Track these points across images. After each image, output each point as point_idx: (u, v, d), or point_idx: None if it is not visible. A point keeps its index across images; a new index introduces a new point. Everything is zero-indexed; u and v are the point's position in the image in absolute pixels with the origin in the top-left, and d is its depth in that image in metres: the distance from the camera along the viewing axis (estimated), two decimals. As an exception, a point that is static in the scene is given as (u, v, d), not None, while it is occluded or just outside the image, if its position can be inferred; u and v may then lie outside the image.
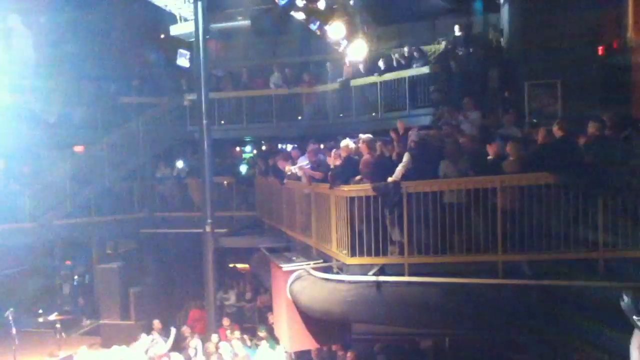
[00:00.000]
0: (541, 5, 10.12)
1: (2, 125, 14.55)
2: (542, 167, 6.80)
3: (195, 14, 12.99)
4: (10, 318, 10.78)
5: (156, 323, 12.21)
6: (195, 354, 11.13)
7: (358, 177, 7.98)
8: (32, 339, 12.47)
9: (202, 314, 13.28)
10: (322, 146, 12.44)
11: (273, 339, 11.07)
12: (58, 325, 12.15)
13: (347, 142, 8.85)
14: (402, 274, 7.24)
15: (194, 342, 11.45)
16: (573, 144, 7.12)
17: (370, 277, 7.31)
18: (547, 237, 6.70)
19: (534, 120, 9.68)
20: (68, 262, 16.40)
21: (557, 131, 6.99)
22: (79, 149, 16.46)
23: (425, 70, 13.21)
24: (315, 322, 8.54)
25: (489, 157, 7.45)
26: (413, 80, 13.39)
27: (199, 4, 12.84)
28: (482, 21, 14.41)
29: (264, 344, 10.98)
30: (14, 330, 10.71)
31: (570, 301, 6.40)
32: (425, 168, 7.53)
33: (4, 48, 16.04)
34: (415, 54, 14.02)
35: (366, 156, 8.12)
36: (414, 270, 7.20)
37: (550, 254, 6.70)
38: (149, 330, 12.19)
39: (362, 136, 8.39)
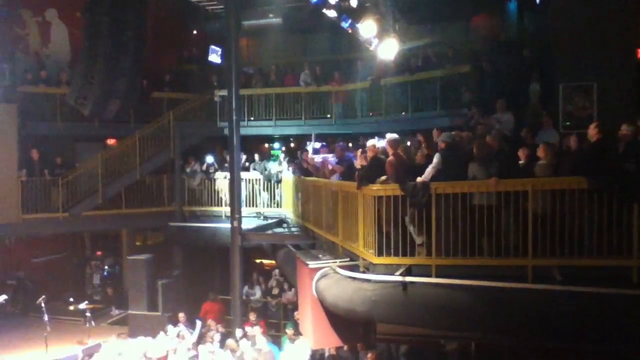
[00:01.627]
0: (578, 6, 9.90)
1: (37, 116, 14.97)
2: (576, 171, 6.66)
3: (228, 11, 13.10)
4: (43, 305, 11.05)
5: (181, 316, 12.38)
6: (218, 348, 11.25)
7: (384, 177, 7.94)
8: (62, 327, 12.79)
9: (214, 307, 13.55)
10: (349, 145, 12.45)
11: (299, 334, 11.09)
12: (88, 314, 12.44)
13: (373, 142, 8.82)
14: (429, 275, 7.18)
15: (217, 336, 11.59)
16: (608, 147, 6.96)
17: (397, 278, 7.27)
18: (579, 243, 6.57)
19: (568, 123, 9.50)
20: (98, 253, 16.74)
21: (594, 134, 6.83)
22: (111, 142, 16.80)
23: (457, 70, 13.06)
24: (340, 320, 8.53)
25: (521, 162, 7.33)
26: (444, 80, 13.26)
27: (231, 1, 12.95)
28: (516, 21, 14.17)
29: (298, 342, 10.97)
30: (45, 317, 10.97)
31: (601, 309, 6.26)
32: (455, 170, 7.45)
33: (42, 42, 16.48)
34: (447, 53, 13.89)
35: (391, 157, 8.08)
36: (442, 272, 7.14)
37: (582, 260, 6.56)
38: (175, 321, 12.37)
39: (388, 136, 8.34)
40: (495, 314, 6.73)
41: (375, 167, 8.17)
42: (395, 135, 8.26)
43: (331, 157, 10.17)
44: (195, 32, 19.02)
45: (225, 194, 14.95)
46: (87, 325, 12.25)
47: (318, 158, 10.22)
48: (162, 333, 11.70)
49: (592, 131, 6.90)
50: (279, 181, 14.77)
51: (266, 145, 19.30)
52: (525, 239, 6.73)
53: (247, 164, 15.54)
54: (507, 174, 7.02)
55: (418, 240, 7.41)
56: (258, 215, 14.85)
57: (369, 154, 8.62)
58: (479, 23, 15.38)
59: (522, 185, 6.78)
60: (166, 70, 17.89)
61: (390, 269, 7.45)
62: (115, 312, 14.93)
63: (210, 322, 12.51)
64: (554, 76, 10.22)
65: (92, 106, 12.96)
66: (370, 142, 8.84)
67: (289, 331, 11.52)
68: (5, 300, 10.40)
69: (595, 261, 6.50)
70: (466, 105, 12.22)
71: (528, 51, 11.00)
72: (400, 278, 7.23)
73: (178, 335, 11.70)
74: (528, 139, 8.11)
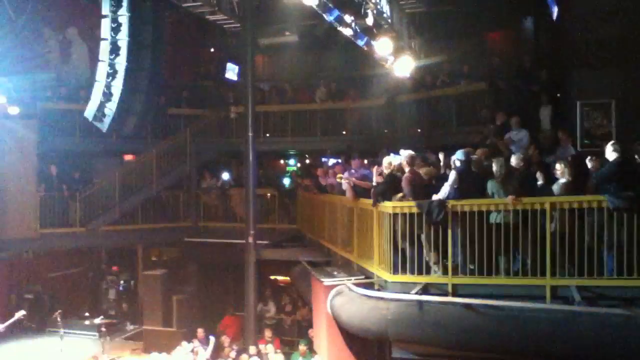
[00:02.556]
0: (595, 22, 9.86)
1: (56, 132, 15.18)
2: (595, 189, 6.59)
3: (244, 29, 13.24)
4: (59, 319, 11.09)
5: (200, 331, 12.35)
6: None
7: (400, 195, 7.91)
8: (77, 341, 12.82)
9: (234, 320, 13.52)
10: (365, 161, 12.42)
11: (312, 352, 11.02)
12: (103, 329, 12.45)
13: (389, 159, 8.81)
14: (446, 294, 7.11)
15: (233, 353, 11.55)
16: (627, 165, 6.88)
17: (413, 296, 7.20)
18: (598, 262, 6.47)
19: (586, 141, 9.40)
20: (114, 268, 16.81)
21: (611, 153, 6.76)
22: (128, 157, 16.96)
23: (473, 87, 13.03)
24: (355, 338, 8.46)
25: (539, 183, 7.26)
26: (460, 97, 13.22)
27: (248, 19, 13.10)
28: (532, 38, 14.13)
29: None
30: (61, 332, 11.00)
31: (622, 330, 6.14)
32: (471, 187, 7.41)
33: (62, 59, 16.77)
34: (463, 70, 13.87)
35: (408, 173, 8.06)
36: (458, 291, 7.06)
37: (602, 280, 6.46)
38: (190, 337, 12.35)
39: (404, 153, 8.33)
40: (512, 334, 6.63)
41: (391, 184, 8.15)
42: (411, 152, 8.25)
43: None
44: (212, 49, 19.25)
45: (240, 210, 14.97)
46: (102, 340, 12.27)
47: (344, 181, 10.12)
48: (178, 348, 11.68)
49: (610, 149, 6.83)
50: (293, 197, 14.77)
51: (281, 161, 19.36)
52: (544, 258, 6.65)
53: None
54: (526, 192, 6.97)
55: (432, 258, 7.35)
56: (272, 231, 14.84)
57: (385, 171, 8.61)
58: (495, 40, 15.37)
59: (540, 203, 6.71)
60: (183, 87, 18.06)
61: (406, 287, 7.39)
62: (130, 327, 14.95)
63: (225, 339, 12.47)
64: (571, 93, 10.15)
65: (110, 122, 13.11)
66: (386, 159, 8.82)
67: (302, 347, 11.45)
68: (23, 315, 10.49)
69: (615, 281, 6.40)
70: (482, 122, 12.16)
71: (541, 74, 10.94)
72: (416, 297, 7.17)
73: (192, 351, 11.68)
74: (535, 158, 8.05)
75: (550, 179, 7.20)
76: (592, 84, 9.48)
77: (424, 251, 7.43)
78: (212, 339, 12.12)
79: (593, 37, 9.64)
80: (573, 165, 7.12)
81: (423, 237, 7.40)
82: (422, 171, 8.36)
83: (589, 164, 7.10)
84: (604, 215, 6.43)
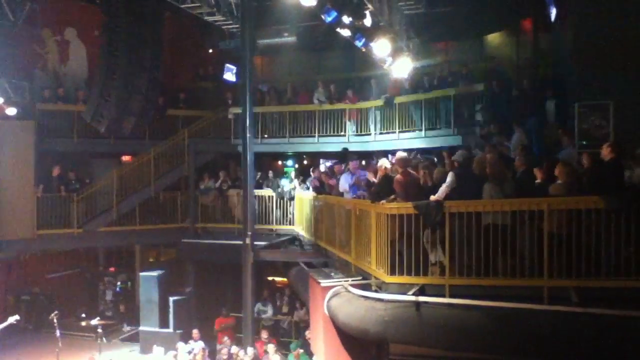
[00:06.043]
0: (594, 25, 9.87)
1: (54, 133, 15.15)
2: (592, 190, 6.57)
3: (243, 30, 13.24)
4: (55, 321, 11.06)
5: (195, 332, 12.34)
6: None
7: (392, 197, 7.91)
8: (74, 342, 12.82)
9: (225, 322, 13.56)
10: (362, 162, 12.42)
11: (307, 354, 11.00)
12: (99, 330, 12.45)
13: (383, 162, 8.83)
14: (443, 295, 7.08)
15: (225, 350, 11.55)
16: (622, 166, 6.87)
17: (410, 297, 7.18)
18: (596, 263, 6.45)
19: (584, 142, 9.40)
20: (112, 269, 16.78)
21: (608, 153, 6.74)
22: (126, 158, 16.94)
23: (471, 89, 13.03)
24: (352, 340, 8.43)
25: (537, 181, 7.24)
26: (458, 98, 13.22)
27: (247, 20, 13.10)
28: (532, 40, 14.14)
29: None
30: (58, 333, 10.98)
31: (619, 331, 6.12)
32: (469, 188, 7.39)
33: (60, 60, 16.75)
34: (461, 71, 13.87)
35: (399, 175, 8.06)
36: (455, 292, 7.04)
37: (600, 281, 6.43)
38: (187, 338, 12.33)
39: (397, 155, 8.34)
40: (510, 335, 6.61)
41: (385, 185, 8.16)
42: (404, 154, 8.26)
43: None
44: (210, 50, 19.22)
45: (237, 211, 14.96)
46: (99, 341, 12.26)
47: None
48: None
49: (606, 150, 6.82)
50: (291, 198, 14.75)
51: (279, 162, 19.32)
52: (541, 259, 6.62)
53: (260, 180, 15.55)
54: (523, 193, 6.95)
55: (432, 258, 7.33)
56: (270, 232, 14.82)
57: (380, 173, 8.62)
58: (493, 42, 15.38)
59: (537, 204, 6.69)
60: (182, 87, 18.06)
61: (403, 288, 7.36)
62: (126, 328, 14.93)
63: (226, 340, 12.46)
64: (569, 95, 10.16)
65: (108, 123, 13.10)
66: (380, 162, 8.86)
67: (294, 351, 11.43)
68: (16, 320, 10.46)
69: (613, 282, 6.38)
70: (480, 124, 12.16)
71: (542, 70, 10.96)
72: (413, 298, 7.14)
73: (190, 353, 11.65)
74: (520, 157, 8.03)
75: (549, 177, 7.19)
76: (591, 85, 9.48)
77: (428, 251, 7.40)
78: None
79: (591, 39, 9.64)
80: (570, 167, 7.10)
81: (424, 237, 7.38)
82: (421, 172, 8.37)
83: (584, 162, 7.09)
84: (602, 215, 6.40)
